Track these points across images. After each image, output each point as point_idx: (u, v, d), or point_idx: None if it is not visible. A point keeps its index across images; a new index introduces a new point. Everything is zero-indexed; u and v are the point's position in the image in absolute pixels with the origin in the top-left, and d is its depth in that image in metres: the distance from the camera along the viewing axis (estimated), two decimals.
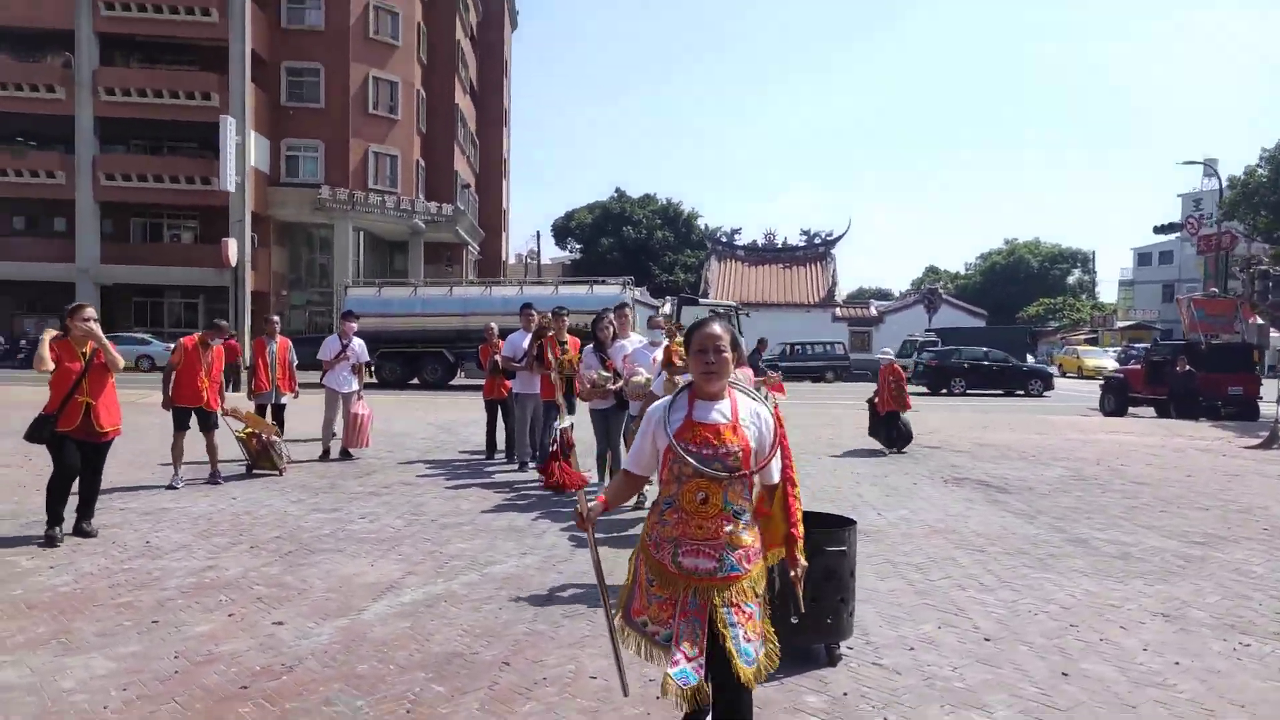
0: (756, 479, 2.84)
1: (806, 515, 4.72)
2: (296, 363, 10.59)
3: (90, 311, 6.21)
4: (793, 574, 2.92)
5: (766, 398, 2.96)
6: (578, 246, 64.68)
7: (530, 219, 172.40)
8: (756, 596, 2.77)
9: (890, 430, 12.06)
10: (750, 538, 2.80)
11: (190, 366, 8.16)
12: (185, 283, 37.01)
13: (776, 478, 2.90)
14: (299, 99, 38.94)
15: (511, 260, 65.04)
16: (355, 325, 10.61)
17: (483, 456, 10.75)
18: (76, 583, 5.18)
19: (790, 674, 3.98)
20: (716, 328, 2.82)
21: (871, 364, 40.93)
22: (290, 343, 10.48)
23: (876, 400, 12.26)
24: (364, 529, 6.76)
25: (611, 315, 8.34)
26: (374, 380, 25.58)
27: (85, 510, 6.29)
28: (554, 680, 3.85)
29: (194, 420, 8.32)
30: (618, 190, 64.66)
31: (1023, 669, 4.09)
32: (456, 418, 15.62)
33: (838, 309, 44.65)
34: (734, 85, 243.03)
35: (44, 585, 5.12)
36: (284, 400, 10.26)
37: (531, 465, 9.59)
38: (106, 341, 6.14)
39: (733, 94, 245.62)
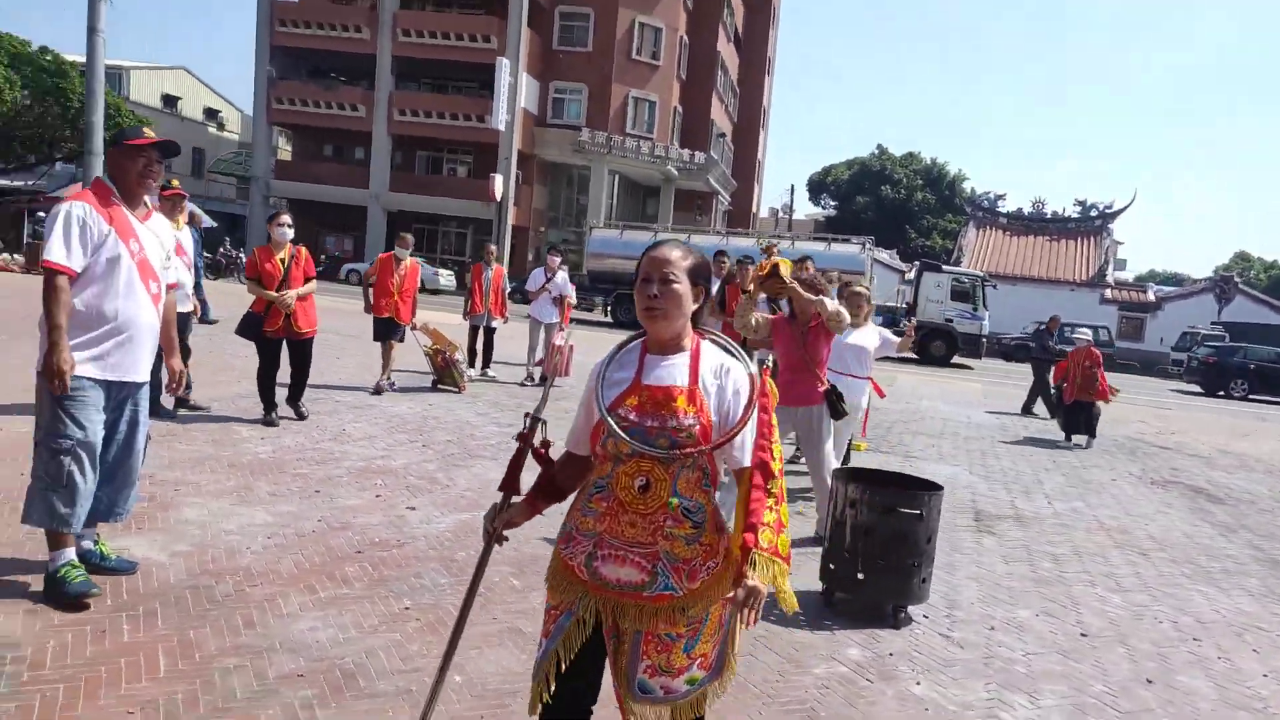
0: (721, 463, 2.12)
1: (889, 476, 4.70)
2: (509, 290, 11.42)
3: (286, 218, 7.06)
4: (730, 595, 1.95)
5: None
6: (832, 204, 63.25)
7: (785, 172, 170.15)
8: (690, 623, 2.06)
9: (1076, 419, 11.03)
10: (698, 549, 2.05)
11: (384, 280, 8.98)
12: (458, 214, 40.27)
13: (746, 460, 2.04)
14: (569, 43, 40.75)
15: (763, 213, 64.82)
16: (559, 259, 11.26)
17: None
18: (273, 453, 6.12)
19: (847, 626, 4.02)
20: (668, 250, 2.12)
21: (1141, 354, 37.28)
22: (504, 271, 11.32)
23: (1065, 387, 11.29)
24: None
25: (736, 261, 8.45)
26: (608, 319, 26.77)
27: (295, 395, 7.30)
28: None
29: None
30: (879, 147, 62.37)
31: (1103, 668, 3.86)
32: None
33: (1108, 290, 40.72)
34: (1017, 40, 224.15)
35: (249, 452, 6.10)
36: (494, 324, 11.15)
37: None
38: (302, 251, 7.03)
39: (1013, 49, 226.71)
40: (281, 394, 7.20)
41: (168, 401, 6.86)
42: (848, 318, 5.14)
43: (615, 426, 2.02)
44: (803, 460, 5.79)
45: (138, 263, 3.51)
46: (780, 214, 63.08)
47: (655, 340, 2.13)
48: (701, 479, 2.08)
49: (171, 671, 3.05)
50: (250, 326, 6.96)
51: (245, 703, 2.90)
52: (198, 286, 7.77)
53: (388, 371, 9.27)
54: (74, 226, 3.38)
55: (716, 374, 2.09)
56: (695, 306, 2.13)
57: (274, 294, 6.83)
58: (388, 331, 9.11)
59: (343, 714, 2.89)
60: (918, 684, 3.54)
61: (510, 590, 4.09)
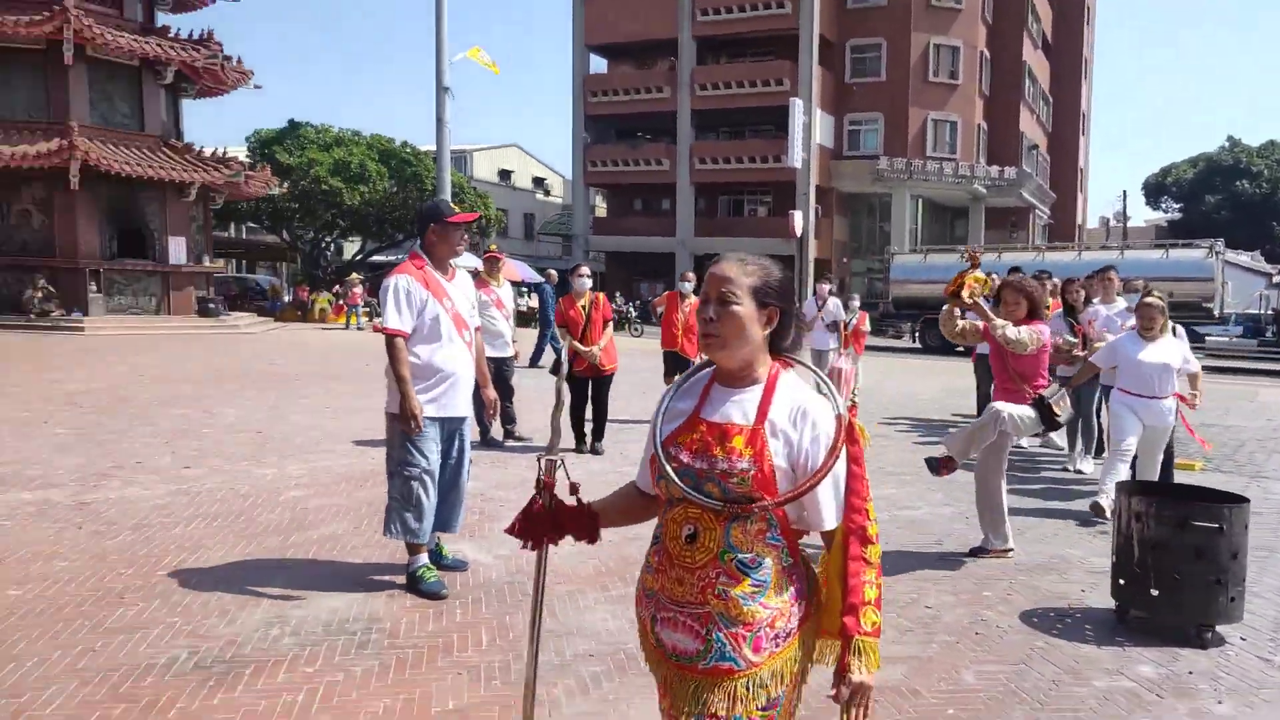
0: (796, 518, 1.77)
1: (1187, 490, 4.32)
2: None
3: (585, 270, 7.89)
4: (834, 690, 1.69)
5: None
6: (1175, 206, 56.59)
7: (1114, 178, 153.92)
8: (767, 704, 1.72)
9: None
10: (767, 610, 1.72)
11: (669, 316, 9.46)
12: (758, 251, 40.88)
13: (828, 522, 1.75)
14: (861, 74, 40.49)
15: (1092, 223, 59.45)
16: (828, 286, 11.36)
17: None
18: (583, 476, 6.81)
19: (1142, 644, 3.79)
20: (728, 265, 1.81)
21: None
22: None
23: None
24: None
25: (1081, 281, 7.84)
26: (917, 344, 26.02)
27: (597, 432, 7.95)
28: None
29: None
30: (1230, 139, 54.93)
31: None
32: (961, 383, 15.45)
33: None
34: None
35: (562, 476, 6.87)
36: None
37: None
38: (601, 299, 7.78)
39: None
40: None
41: (498, 433, 7.89)
42: (1028, 344, 4.71)
43: (666, 465, 1.75)
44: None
45: (452, 316, 4.24)
46: (1113, 222, 57.44)
47: (722, 370, 1.83)
48: (767, 531, 1.74)
49: (490, 645, 3.64)
50: (559, 366, 7.84)
51: (547, 673, 3.39)
52: (542, 336, 8.86)
53: None
54: (401, 296, 4.13)
55: (792, 414, 1.75)
56: (768, 331, 1.79)
57: (583, 348, 7.63)
58: (675, 366, 9.60)
59: (624, 687, 3.30)
60: (1220, 703, 3.28)
61: None
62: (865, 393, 13.26)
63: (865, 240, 42.67)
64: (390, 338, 4.13)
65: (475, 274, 8.77)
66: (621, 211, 47.00)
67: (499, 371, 8.04)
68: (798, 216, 37.40)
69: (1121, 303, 7.71)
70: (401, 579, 4.30)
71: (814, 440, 1.72)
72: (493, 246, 8.38)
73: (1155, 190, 58.05)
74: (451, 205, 4.50)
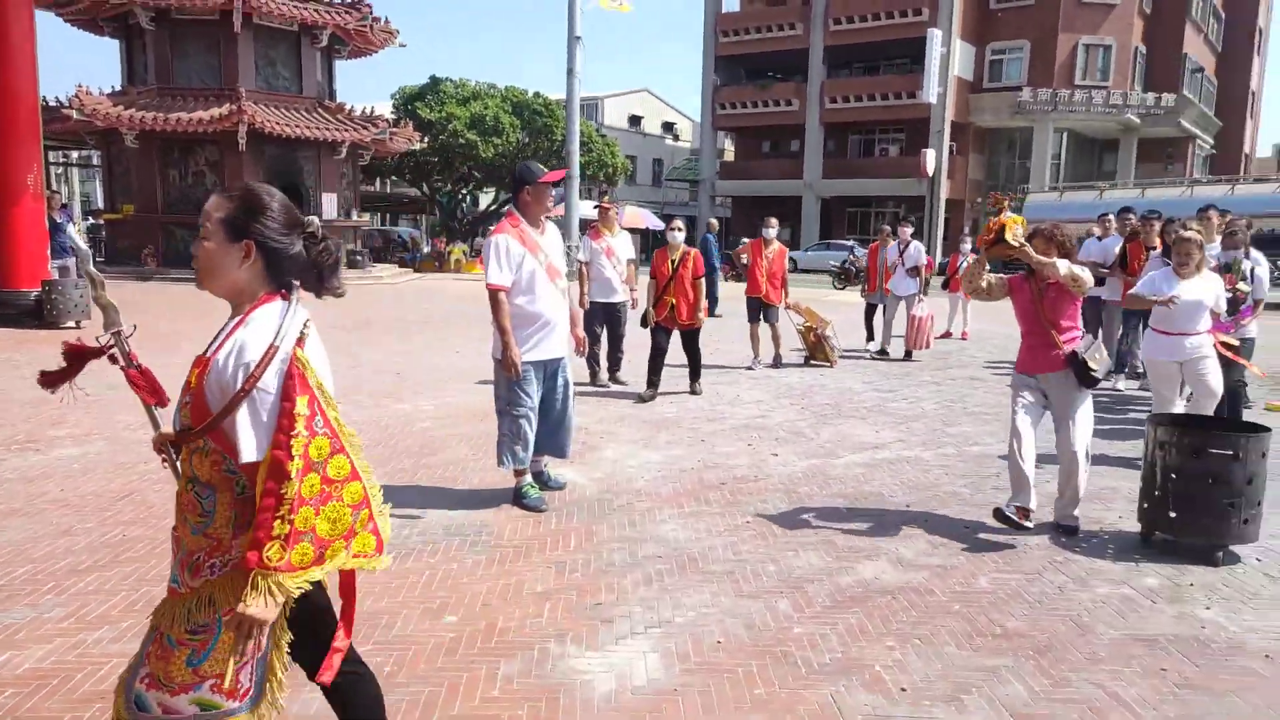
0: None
1: (1215, 422, 4.52)
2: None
3: (678, 223, 8.26)
4: (225, 613, 1.80)
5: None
6: None
7: None
8: (194, 629, 1.83)
9: None
10: (209, 539, 1.84)
11: (754, 263, 9.79)
12: (888, 193, 40.36)
13: (246, 455, 1.78)
14: None
15: (1263, 152, 54.87)
16: (910, 229, 11.17)
17: None
18: (677, 414, 7.52)
19: (1157, 561, 4.17)
20: (209, 201, 1.93)
21: None
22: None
23: None
24: (898, 407, 7.94)
25: (1181, 221, 7.77)
26: None
27: (693, 375, 8.41)
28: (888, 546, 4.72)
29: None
30: None
31: None
32: None
33: None
34: None
35: (659, 413, 7.57)
36: (884, 302, 11.45)
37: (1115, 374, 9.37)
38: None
39: None
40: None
41: (604, 378, 8.66)
42: (1088, 280, 4.43)
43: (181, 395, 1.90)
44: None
45: (545, 268, 4.90)
46: None
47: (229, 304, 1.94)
48: (221, 463, 1.82)
49: (577, 547, 4.39)
50: (645, 318, 8.32)
51: (620, 569, 4.11)
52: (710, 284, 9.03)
53: (758, 351, 9.94)
54: (501, 253, 4.78)
55: (233, 346, 1.82)
56: (247, 263, 1.89)
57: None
58: (760, 312, 9.86)
59: (683, 582, 3.97)
60: (1207, 608, 3.67)
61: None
62: (974, 337, 13.32)
63: (1003, 178, 40.99)
64: (493, 292, 4.82)
65: (589, 224, 9.43)
66: (749, 154, 46.78)
67: (611, 316, 8.70)
68: (929, 155, 36.34)
69: (1219, 244, 7.64)
70: (509, 496, 5.09)
71: (235, 371, 1.79)
72: (605, 199, 8.98)
73: None
74: (542, 167, 5.08)
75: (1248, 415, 6.70)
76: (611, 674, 3.14)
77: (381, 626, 3.46)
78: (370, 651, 3.22)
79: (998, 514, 4.49)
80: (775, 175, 43.12)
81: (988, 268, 4.72)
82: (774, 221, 10.17)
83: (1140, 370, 8.69)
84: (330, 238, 2.03)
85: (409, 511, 4.84)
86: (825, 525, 4.73)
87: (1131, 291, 5.79)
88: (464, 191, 38.42)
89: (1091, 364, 4.46)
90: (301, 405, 1.77)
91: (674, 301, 8.00)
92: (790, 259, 11.39)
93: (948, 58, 36.20)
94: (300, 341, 1.84)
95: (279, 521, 1.73)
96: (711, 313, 15.38)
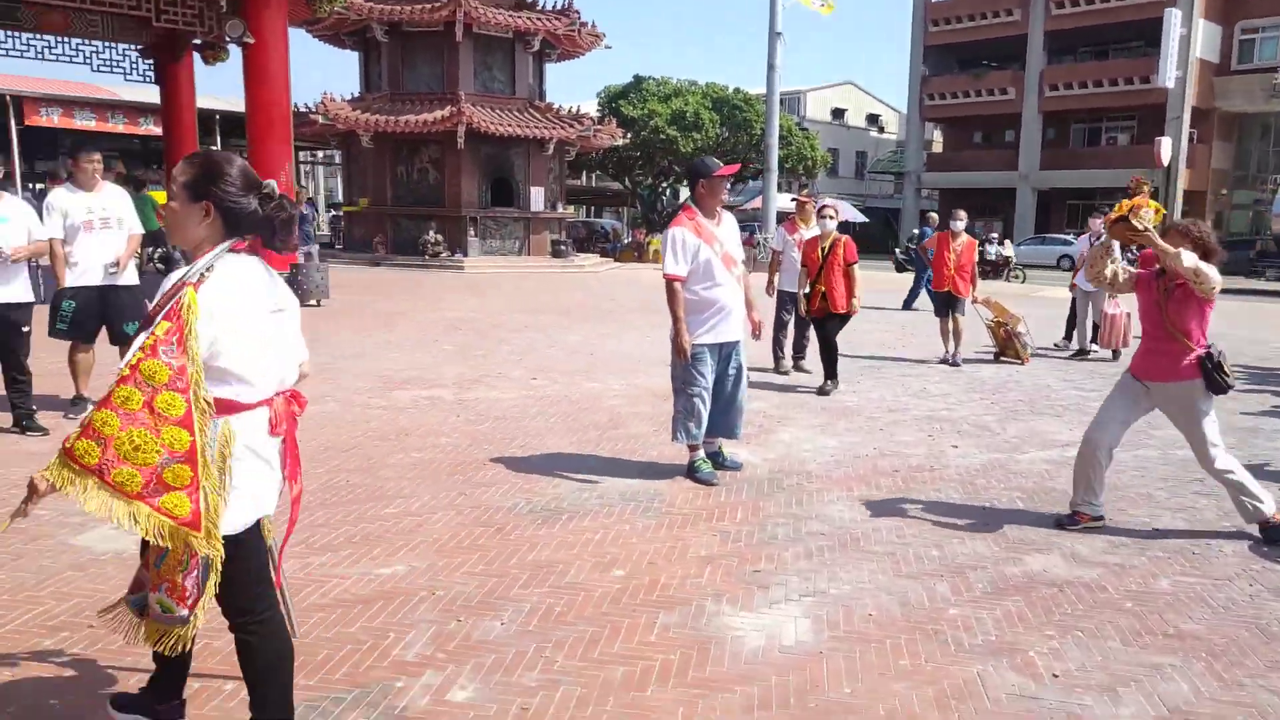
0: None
1: None
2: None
3: (830, 210, 8.06)
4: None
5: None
6: None
7: None
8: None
9: None
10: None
11: (940, 256, 9.43)
12: (1115, 184, 37.38)
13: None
14: None
15: None
16: (1099, 220, 10.29)
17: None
18: (858, 403, 7.52)
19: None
20: (177, 167, 2.21)
21: None
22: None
23: None
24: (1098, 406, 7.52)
25: None
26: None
27: (826, 371, 7.97)
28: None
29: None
30: None
31: None
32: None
33: None
34: None
35: (840, 401, 7.59)
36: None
37: None
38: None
39: None
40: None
41: (788, 366, 8.74)
42: (1215, 281, 4.03)
43: None
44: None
45: (720, 257, 5.09)
46: None
47: None
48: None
49: (744, 520, 4.57)
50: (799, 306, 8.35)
51: (782, 542, 4.25)
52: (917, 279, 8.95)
53: (951, 346, 9.60)
54: (678, 245, 5.04)
55: (173, 277, 2.14)
56: (208, 220, 2.14)
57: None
58: (947, 306, 9.55)
59: (843, 558, 4.06)
60: None
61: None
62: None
63: (1255, 168, 37.09)
64: (669, 281, 5.09)
65: (786, 215, 9.52)
66: (959, 145, 44.84)
67: (799, 304, 8.78)
68: (1165, 143, 33.29)
69: None
70: (683, 470, 5.34)
71: (159, 294, 2.10)
72: (804, 192, 9.08)
73: None
74: (717, 161, 5.28)
75: None
76: (762, 633, 3.31)
77: (556, 574, 3.80)
78: (543, 595, 3.58)
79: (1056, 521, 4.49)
80: (987, 166, 41.07)
81: (1115, 254, 4.38)
82: (962, 214, 9.77)
83: None
84: (284, 197, 2.24)
85: (589, 477, 5.21)
86: (998, 517, 4.65)
87: None
88: (664, 185, 39.22)
89: (1225, 368, 4.17)
90: (160, 330, 1.97)
91: (824, 289, 7.77)
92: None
93: (1188, 38, 33.08)
94: (199, 282, 2.04)
95: (97, 413, 1.96)
96: (908, 305, 15.11)
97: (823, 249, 7.90)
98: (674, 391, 5.31)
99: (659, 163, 35.55)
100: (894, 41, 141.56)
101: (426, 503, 4.70)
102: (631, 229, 37.42)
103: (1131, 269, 4.52)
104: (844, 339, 8.38)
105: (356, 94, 25.95)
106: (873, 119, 56.51)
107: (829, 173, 45.24)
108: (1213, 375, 4.16)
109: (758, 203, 29.55)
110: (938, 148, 46.96)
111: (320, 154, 39.26)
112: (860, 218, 39.35)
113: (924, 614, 3.50)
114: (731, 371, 5.29)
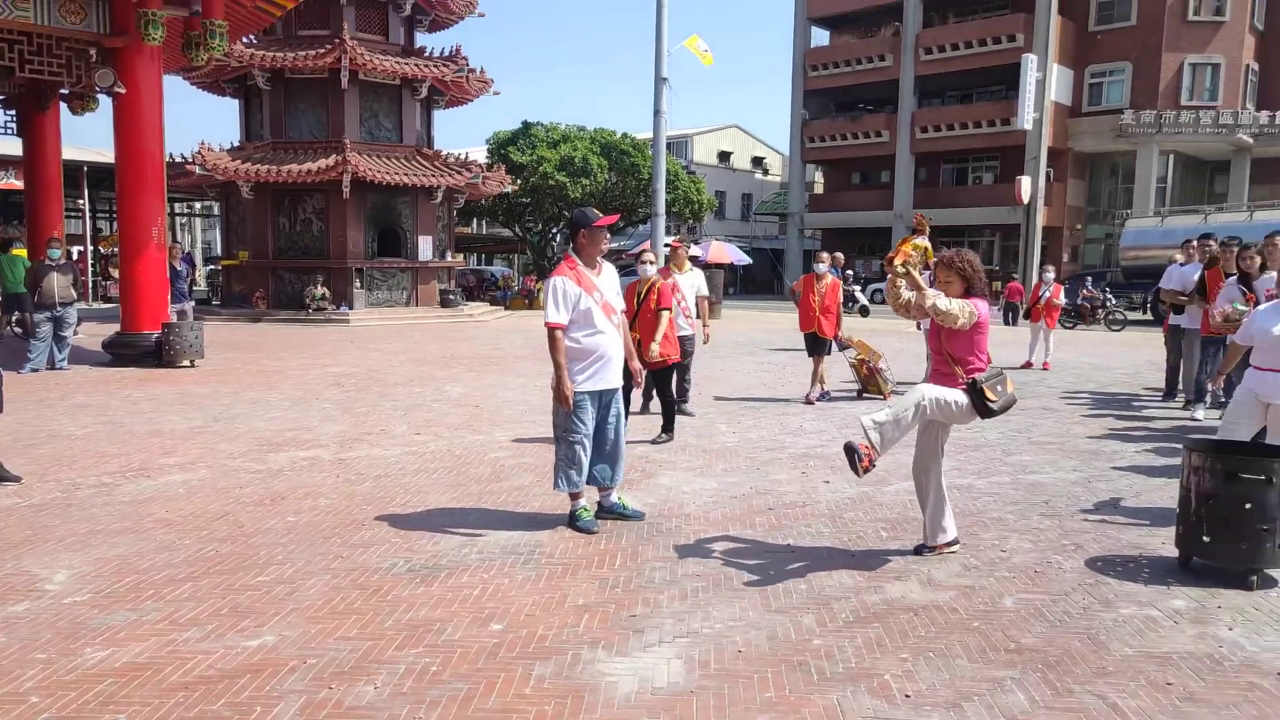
0: None
1: (1253, 448, 4.48)
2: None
3: (649, 255, 8.04)
4: None
5: None
6: None
7: None
8: None
9: None
10: None
11: (806, 298, 9.78)
12: (981, 222, 39.60)
13: None
14: (1108, 21, 37.77)
15: None
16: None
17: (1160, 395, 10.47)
18: (737, 443, 7.75)
19: (1192, 585, 4.19)
20: None
21: None
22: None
23: None
24: (959, 436, 7.97)
25: (1257, 246, 7.64)
26: (1148, 316, 24.37)
27: (664, 422, 7.93)
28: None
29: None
30: None
31: None
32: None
33: None
34: None
35: (719, 442, 7.81)
36: None
37: (1197, 404, 9.16)
38: None
39: None
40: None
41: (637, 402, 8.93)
42: (958, 317, 4.35)
43: None
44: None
45: (601, 306, 5.24)
46: None
47: None
48: None
49: (622, 565, 4.66)
50: None
51: (658, 585, 4.36)
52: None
53: (816, 384, 9.91)
54: (559, 294, 5.17)
55: None
56: None
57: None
58: (815, 346, 9.82)
59: (716, 597, 4.19)
60: (1229, 629, 3.70)
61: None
62: (1057, 367, 13.07)
63: (1105, 204, 39.85)
64: (551, 329, 5.19)
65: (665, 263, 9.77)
66: (839, 186, 46.70)
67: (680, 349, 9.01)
68: (1025, 182, 35.61)
69: None
70: (565, 519, 5.41)
71: None
72: (675, 237, 9.37)
73: None
74: (596, 212, 5.45)
75: None
76: (635, 677, 3.40)
77: (433, 632, 3.81)
78: (419, 655, 3.58)
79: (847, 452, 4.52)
80: (865, 206, 42.91)
81: (902, 284, 4.65)
82: (825, 256, 10.18)
83: (1223, 400, 8.47)
84: None
85: (471, 531, 5.21)
86: (862, 548, 4.89)
87: (1232, 338, 5.63)
88: (554, 231, 39.42)
89: (990, 395, 4.40)
90: None
91: (639, 337, 7.29)
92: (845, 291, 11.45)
93: (1043, 83, 35.53)
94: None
95: None
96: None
97: (639, 294, 7.57)
98: (555, 439, 5.39)
99: (548, 209, 35.77)
100: (776, 86, 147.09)
101: (301, 568, 4.63)
102: (522, 276, 37.44)
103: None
104: (729, 379, 8.63)
105: (236, 143, 25.34)
106: (757, 161, 58.33)
107: (716, 215, 46.35)
108: (977, 400, 4.43)
109: (646, 246, 30.02)
110: (819, 189, 48.78)
111: (198, 205, 38.02)
112: (745, 259, 40.43)
113: (790, 646, 3.65)
114: (611, 419, 5.41)
